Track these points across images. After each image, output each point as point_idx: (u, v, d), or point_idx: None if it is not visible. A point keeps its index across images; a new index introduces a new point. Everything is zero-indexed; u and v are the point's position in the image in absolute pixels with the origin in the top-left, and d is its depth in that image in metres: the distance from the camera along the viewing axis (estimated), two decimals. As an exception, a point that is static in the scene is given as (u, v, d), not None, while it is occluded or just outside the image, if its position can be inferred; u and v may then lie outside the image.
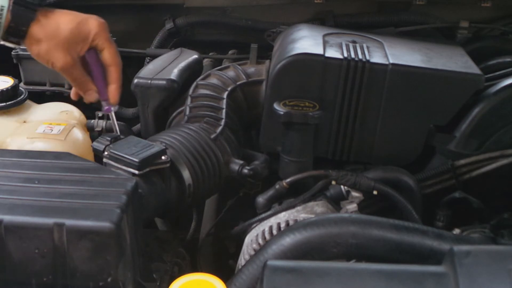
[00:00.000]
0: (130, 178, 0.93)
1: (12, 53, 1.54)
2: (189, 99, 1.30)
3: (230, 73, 1.38)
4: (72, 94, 1.13)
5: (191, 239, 1.38)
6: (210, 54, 1.66)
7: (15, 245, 0.81)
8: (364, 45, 1.26)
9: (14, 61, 1.55)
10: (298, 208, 1.10)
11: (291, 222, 1.06)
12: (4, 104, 1.31)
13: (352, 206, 1.10)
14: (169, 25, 1.69)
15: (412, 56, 1.24)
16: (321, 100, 1.18)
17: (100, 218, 0.81)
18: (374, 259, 0.88)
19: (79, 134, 1.28)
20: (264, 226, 1.08)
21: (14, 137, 1.25)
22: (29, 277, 0.82)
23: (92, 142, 1.10)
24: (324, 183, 1.14)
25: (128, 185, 0.89)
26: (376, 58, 1.20)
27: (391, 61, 1.19)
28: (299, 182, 1.15)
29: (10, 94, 1.33)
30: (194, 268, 1.19)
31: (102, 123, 1.37)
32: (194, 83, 1.35)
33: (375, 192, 1.13)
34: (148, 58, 1.64)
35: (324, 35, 1.31)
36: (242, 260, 1.06)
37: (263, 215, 1.11)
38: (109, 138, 1.04)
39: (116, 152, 1.01)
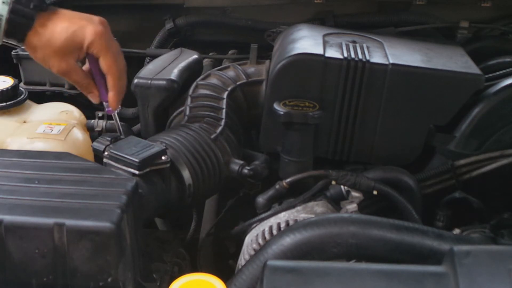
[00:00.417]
0: (130, 178, 0.93)
1: (12, 53, 1.54)
2: (189, 99, 1.30)
3: (230, 73, 1.38)
4: None
5: (191, 239, 1.38)
6: (210, 54, 1.66)
7: (15, 245, 0.81)
8: (364, 45, 1.26)
9: (14, 61, 1.55)
10: (298, 208, 1.10)
11: (291, 222, 1.06)
12: (4, 104, 1.31)
13: (352, 206, 1.10)
14: (169, 25, 1.69)
15: (412, 56, 1.24)
16: (321, 100, 1.18)
17: (100, 218, 0.81)
18: (374, 259, 0.88)
19: (79, 134, 1.28)
20: (264, 226, 1.08)
21: (14, 137, 1.25)
22: (29, 277, 0.82)
23: (92, 142, 1.10)
24: (324, 183, 1.14)
25: (128, 185, 0.89)
26: (376, 58, 1.20)
27: (391, 61, 1.19)
28: (299, 182, 1.15)
29: (10, 94, 1.33)
30: (194, 268, 1.19)
31: (102, 123, 1.37)
32: (194, 83, 1.35)
33: (375, 192, 1.13)
34: (148, 58, 1.64)
35: (324, 35, 1.31)
36: (242, 260, 1.06)
37: (263, 215, 1.11)
38: (109, 138, 1.04)
39: (116, 152, 1.01)
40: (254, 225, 1.12)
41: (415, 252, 0.87)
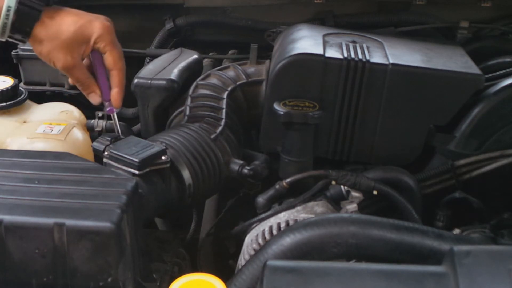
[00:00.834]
0: (130, 178, 0.93)
1: (12, 53, 1.54)
2: (189, 99, 1.30)
3: (230, 73, 1.38)
4: (70, 80, 1.12)
5: (191, 239, 1.38)
6: (210, 54, 1.66)
7: (15, 245, 0.81)
8: (364, 45, 1.26)
9: (14, 61, 1.55)
10: (298, 208, 1.10)
11: (291, 222, 1.06)
12: (4, 104, 1.31)
13: (352, 206, 1.10)
14: (169, 25, 1.69)
15: (412, 56, 1.24)
16: (321, 100, 1.18)
17: (100, 218, 0.81)
18: (374, 259, 0.88)
19: (79, 134, 1.28)
20: (264, 226, 1.08)
21: (14, 137, 1.25)
22: (29, 277, 0.82)
23: (92, 142, 1.10)
24: (324, 183, 1.14)
25: (128, 185, 0.89)
26: (376, 58, 1.20)
27: (391, 61, 1.19)
28: (299, 182, 1.15)
29: (10, 94, 1.33)
30: (194, 268, 1.19)
31: (102, 123, 1.37)
32: (194, 83, 1.35)
33: (375, 192, 1.13)
34: (148, 58, 1.64)
35: (324, 35, 1.31)
36: (242, 260, 1.06)
37: (263, 215, 1.11)
38: (109, 138, 1.04)
39: (116, 152, 1.01)
40: (254, 225, 1.12)
41: (415, 252, 0.87)
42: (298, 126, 1.16)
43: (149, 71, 1.35)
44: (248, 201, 1.22)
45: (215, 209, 1.43)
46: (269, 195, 1.15)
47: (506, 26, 1.57)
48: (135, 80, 1.32)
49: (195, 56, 1.47)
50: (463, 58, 1.29)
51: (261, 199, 1.16)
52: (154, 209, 1.04)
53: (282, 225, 1.06)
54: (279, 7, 1.68)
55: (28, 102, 1.38)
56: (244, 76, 1.37)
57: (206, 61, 1.60)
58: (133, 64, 1.63)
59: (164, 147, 1.05)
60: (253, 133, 1.44)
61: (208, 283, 0.77)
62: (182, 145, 1.13)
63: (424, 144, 1.23)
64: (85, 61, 1.08)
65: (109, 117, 1.34)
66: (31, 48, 1.51)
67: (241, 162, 1.19)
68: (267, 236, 1.05)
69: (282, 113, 1.14)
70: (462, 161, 1.23)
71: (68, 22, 1.02)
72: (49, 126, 1.27)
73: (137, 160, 0.98)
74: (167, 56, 1.46)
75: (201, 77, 1.38)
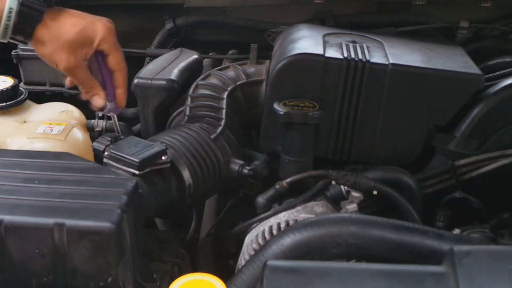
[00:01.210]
0: (130, 178, 0.93)
1: (12, 53, 1.54)
2: (189, 99, 1.30)
3: (230, 73, 1.38)
4: (68, 81, 1.11)
5: (191, 239, 1.38)
6: (210, 54, 1.66)
7: (15, 245, 0.81)
8: (364, 45, 1.26)
9: (14, 61, 1.55)
10: (298, 208, 1.10)
11: (291, 222, 1.06)
12: (4, 104, 1.31)
13: (352, 206, 1.10)
14: (169, 25, 1.70)
15: (412, 56, 1.24)
16: (321, 100, 1.18)
17: (100, 218, 0.81)
18: (374, 259, 0.88)
19: (79, 134, 1.29)
20: (264, 226, 1.08)
21: (14, 137, 1.25)
22: (29, 277, 0.82)
23: (92, 142, 1.10)
24: (324, 183, 1.14)
25: (129, 185, 0.89)
26: (376, 58, 1.20)
27: (391, 61, 1.19)
28: (299, 182, 1.15)
29: (10, 94, 1.33)
30: (194, 268, 1.19)
31: (102, 123, 1.37)
32: (194, 83, 1.35)
33: (375, 192, 1.13)
34: (148, 58, 1.64)
35: (324, 35, 1.31)
36: (242, 260, 1.06)
37: (263, 215, 1.11)
38: (109, 138, 1.04)
39: (116, 152, 1.01)
40: (254, 225, 1.12)
41: (415, 252, 0.87)
42: (298, 126, 1.16)
43: (149, 71, 1.35)
44: (248, 201, 1.22)
45: (215, 209, 1.43)
46: (269, 195, 1.15)
47: (506, 26, 1.57)
48: (135, 80, 1.32)
49: (195, 56, 1.47)
50: (463, 58, 1.29)
51: (261, 199, 1.16)
52: (154, 209, 1.04)
53: (282, 225, 1.06)
54: (279, 7, 1.68)
55: (28, 102, 1.38)
56: (244, 76, 1.37)
57: (206, 61, 1.60)
58: (133, 64, 1.62)
59: (164, 147, 1.05)
60: (253, 133, 1.44)
61: (208, 283, 0.77)
62: (182, 145, 1.13)
63: (424, 144, 1.23)
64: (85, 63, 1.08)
65: (109, 117, 1.34)
66: (31, 48, 1.51)
67: (241, 162, 1.19)
68: (267, 236, 1.05)
69: (282, 113, 1.14)
70: (462, 161, 1.23)
71: (70, 24, 1.02)
72: (49, 126, 1.27)
73: (137, 160, 0.98)
74: (167, 56, 1.46)
75: (201, 77, 1.38)
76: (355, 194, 1.12)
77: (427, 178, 1.25)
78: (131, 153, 1.00)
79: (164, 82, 1.30)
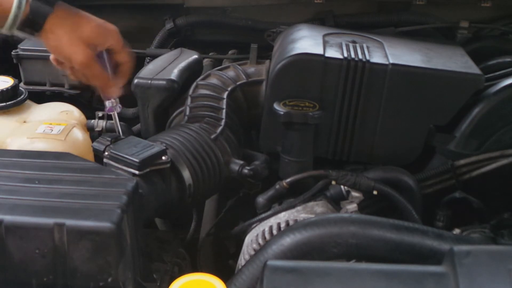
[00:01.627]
0: (130, 178, 0.93)
1: (12, 53, 1.54)
2: (189, 99, 1.30)
3: (230, 73, 1.38)
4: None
5: (191, 239, 1.38)
6: (210, 54, 1.66)
7: (15, 245, 0.81)
8: (364, 45, 1.26)
9: (14, 61, 1.55)
10: (298, 208, 1.10)
11: (291, 222, 1.06)
12: (4, 104, 1.31)
13: (352, 206, 1.10)
14: (169, 25, 1.70)
15: (412, 56, 1.24)
16: (321, 100, 1.18)
17: (100, 218, 0.81)
18: (374, 259, 0.88)
19: (79, 134, 1.29)
20: (264, 226, 1.08)
21: (14, 137, 1.25)
22: (29, 277, 0.82)
23: (92, 142, 1.10)
24: (324, 183, 1.14)
25: (129, 185, 0.89)
26: (376, 58, 1.20)
27: (391, 61, 1.19)
28: (299, 182, 1.15)
29: (10, 94, 1.33)
30: (194, 268, 1.19)
31: (102, 123, 1.37)
32: (194, 83, 1.35)
33: (375, 192, 1.13)
34: (148, 58, 1.64)
35: (324, 35, 1.31)
36: (242, 260, 1.06)
37: (263, 215, 1.11)
38: (109, 138, 1.04)
39: (116, 152, 1.01)
40: (254, 225, 1.12)
41: (415, 252, 0.87)
42: (298, 126, 1.16)
43: (149, 71, 1.35)
44: (248, 201, 1.22)
45: (215, 209, 1.43)
46: (269, 195, 1.15)
47: (506, 26, 1.57)
48: (135, 80, 1.32)
49: (195, 56, 1.47)
50: (463, 58, 1.29)
51: (261, 199, 1.16)
52: (154, 209, 1.04)
53: (282, 225, 1.06)
54: (279, 7, 1.68)
55: (28, 102, 1.38)
56: (244, 76, 1.37)
57: (206, 61, 1.60)
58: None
59: (164, 147, 1.05)
60: (253, 133, 1.44)
61: (208, 283, 0.77)
62: (182, 145, 1.13)
63: (424, 144, 1.23)
64: None
65: (109, 117, 1.35)
66: (31, 48, 1.53)
67: (241, 162, 1.19)
68: (267, 236, 1.05)
69: (282, 113, 1.14)
70: (462, 161, 1.23)
71: (85, 19, 1.02)
72: (49, 126, 1.27)
73: (137, 160, 0.98)
74: (167, 56, 1.46)
75: (201, 77, 1.38)
76: (355, 194, 1.13)
77: (427, 178, 1.25)
78: (131, 153, 1.00)
79: (164, 82, 1.30)
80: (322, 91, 1.19)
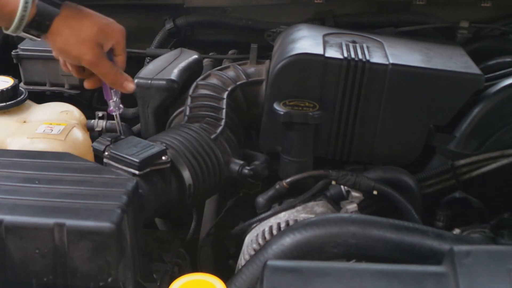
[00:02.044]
0: (130, 179, 0.93)
1: (12, 53, 1.54)
2: (189, 99, 1.30)
3: (230, 73, 1.38)
4: (87, 83, 1.10)
5: (191, 239, 1.38)
6: (210, 54, 1.66)
7: (15, 245, 0.81)
8: (364, 45, 1.26)
9: (14, 61, 1.55)
10: (298, 208, 1.10)
11: (291, 222, 1.06)
12: (4, 104, 1.31)
13: (352, 206, 1.10)
14: (169, 25, 1.70)
15: (412, 56, 1.24)
16: (321, 100, 1.18)
17: (100, 218, 0.81)
18: (374, 259, 0.88)
19: (79, 134, 1.29)
20: (264, 226, 1.08)
21: (14, 137, 1.25)
22: (29, 277, 0.82)
23: (92, 142, 1.10)
24: (324, 183, 1.14)
25: (129, 186, 0.89)
26: (376, 58, 1.20)
27: (391, 61, 1.19)
28: (299, 182, 1.15)
29: (10, 94, 1.33)
30: (194, 268, 1.19)
31: (102, 123, 1.37)
32: (194, 83, 1.35)
33: (375, 192, 1.13)
34: (148, 58, 1.64)
35: (324, 35, 1.31)
36: (242, 260, 1.06)
37: (263, 215, 1.12)
38: (109, 138, 1.04)
39: (116, 152, 1.01)
40: (254, 225, 1.12)
41: (415, 252, 0.87)
42: (298, 126, 1.16)
43: (149, 71, 1.35)
44: (248, 201, 1.22)
45: (215, 209, 1.43)
46: (269, 195, 1.15)
47: (506, 26, 1.57)
48: (135, 80, 1.31)
49: (195, 56, 1.47)
50: (463, 58, 1.29)
51: (261, 199, 1.16)
52: (154, 209, 1.04)
53: (282, 225, 1.06)
54: (279, 7, 1.68)
55: (28, 102, 1.38)
56: (244, 76, 1.37)
57: (206, 61, 1.60)
58: (133, 64, 1.62)
59: (164, 147, 1.05)
60: (253, 133, 1.44)
61: (208, 283, 0.77)
62: (182, 145, 1.13)
63: (424, 144, 1.23)
64: None
65: (109, 117, 1.35)
66: (31, 48, 1.53)
67: (241, 162, 1.19)
68: (267, 236, 1.05)
69: (282, 113, 1.14)
70: (462, 161, 1.23)
71: (91, 20, 1.01)
72: (49, 126, 1.27)
73: (137, 160, 0.98)
74: (167, 56, 1.46)
75: (201, 77, 1.38)
76: (355, 194, 1.13)
77: (427, 178, 1.25)
78: (131, 153, 1.00)
79: (164, 82, 1.30)
80: (322, 91, 1.19)
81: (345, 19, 1.61)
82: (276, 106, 1.16)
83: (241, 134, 1.30)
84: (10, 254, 0.81)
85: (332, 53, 1.21)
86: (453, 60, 1.26)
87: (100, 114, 1.37)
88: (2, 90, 1.32)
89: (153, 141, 1.10)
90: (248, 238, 1.10)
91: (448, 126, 1.23)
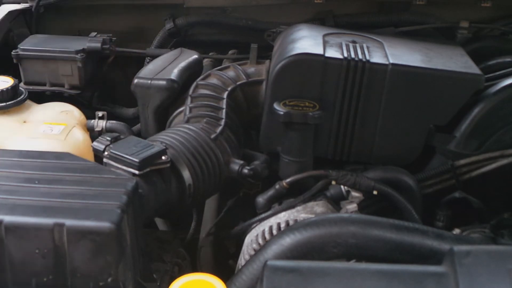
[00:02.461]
0: (130, 178, 0.93)
1: (12, 53, 1.54)
2: (189, 99, 1.30)
3: (230, 73, 1.38)
4: None
5: (191, 239, 1.38)
6: (210, 54, 1.66)
7: (15, 245, 0.81)
8: (364, 45, 1.26)
9: (14, 61, 1.55)
10: (298, 208, 1.10)
11: (291, 222, 1.06)
12: (4, 104, 1.31)
13: (352, 206, 1.10)
14: (169, 25, 1.70)
15: (412, 56, 1.24)
16: (321, 100, 1.18)
17: (100, 218, 0.81)
18: (374, 259, 0.88)
19: (79, 134, 1.29)
20: (264, 226, 1.08)
21: (14, 137, 1.25)
22: (29, 277, 0.82)
23: (92, 142, 1.10)
24: (324, 183, 1.14)
25: (129, 185, 0.89)
26: (376, 58, 1.20)
27: (391, 61, 1.19)
28: (299, 182, 1.15)
29: (10, 94, 1.33)
30: (194, 268, 1.19)
31: (102, 123, 1.37)
32: (194, 83, 1.35)
33: (375, 192, 1.13)
34: (148, 58, 1.64)
35: (324, 35, 1.31)
36: (242, 260, 1.06)
37: (263, 215, 1.12)
38: (109, 138, 1.04)
39: (116, 152, 1.01)
40: (254, 225, 1.12)
41: (415, 252, 0.87)
42: (298, 126, 1.16)
43: (149, 71, 1.35)
44: (248, 201, 1.22)
45: (215, 209, 1.43)
46: (269, 195, 1.15)
47: (506, 26, 1.58)
48: (135, 80, 1.32)
49: (195, 56, 1.47)
50: (463, 58, 1.29)
51: (261, 199, 1.16)
52: (154, 209, 1.04)
53: (282, 225, 1.06)
54: (279, 7, 1.68)
55: (28, 102, 1.38)
56: (244, 76, 1.37)
57: (206, 61, 1.60)
58: (133, 64, 1.63)
59: (164, 147, 1.05)
60: (253, 133, 1.44)
61: (208, 283, 0.77)
62: (182, 145, 1.13)
63: (424, 144, 1.23)
64: None
65: (109, 117, 1.35)
66: (31, 48, 1.53)
67: (241, 162, 1.19)
68: (267, 236, 1.05)
69: (282, 113, 1.14)
70: (462, 161, 1.23)
71: None
72: (49, 126, 1.27)
73: (137, 160, 0.98)
74: (167, 56, 1.46)
75: (201, 77, 1.38)
76: (355, 194, 1.13)
77: (427, 178, 1.25)
78: (131, 153, 1.00)
79: (164, 82, 1.30)
80: (322, 91, 1.19)
81: (345, 19, 1.61)
82: (276, 106, 1.16)
83: (241, 134, 1.30)
84: (10, 254, 0.81)
85: (332, 53, 1.21)
86: (453, 60, 1.26)
87: (100, 114, 1.37)
88: (2, 90, 1.32)
89: (153, 141, 1.10)
90: (248, 238, 1.10)
91: (448, 126, 1.23)
